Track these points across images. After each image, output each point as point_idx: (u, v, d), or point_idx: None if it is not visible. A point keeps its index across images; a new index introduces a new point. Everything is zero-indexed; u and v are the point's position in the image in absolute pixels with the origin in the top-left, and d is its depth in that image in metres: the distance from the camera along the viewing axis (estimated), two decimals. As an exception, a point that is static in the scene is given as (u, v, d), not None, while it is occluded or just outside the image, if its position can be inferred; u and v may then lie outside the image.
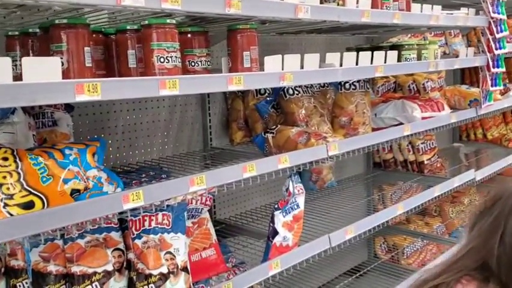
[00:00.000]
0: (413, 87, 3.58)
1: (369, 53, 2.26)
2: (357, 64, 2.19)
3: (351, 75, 2.20)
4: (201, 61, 1.78)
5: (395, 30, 3.11)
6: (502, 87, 3.25)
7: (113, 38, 1.66)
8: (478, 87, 3.98)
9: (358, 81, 2.57)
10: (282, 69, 1.87)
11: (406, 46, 2.52)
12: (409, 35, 3.74)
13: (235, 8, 1.59)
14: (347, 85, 2.57)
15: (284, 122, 2.44)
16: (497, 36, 3.03)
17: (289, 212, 2.03)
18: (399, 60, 2.48)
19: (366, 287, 3.31)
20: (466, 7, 3.00)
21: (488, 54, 3.03)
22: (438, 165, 3.60)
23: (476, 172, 3.23)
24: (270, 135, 2.24)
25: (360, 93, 2.60)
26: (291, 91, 2.41)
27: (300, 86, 2.41)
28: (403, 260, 3.71)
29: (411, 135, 2.61)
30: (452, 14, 2.77)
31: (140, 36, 1.56)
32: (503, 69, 3.16)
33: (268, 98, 2.49)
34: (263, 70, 1.81)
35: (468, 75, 4.72)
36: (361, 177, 3.60)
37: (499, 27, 3.04)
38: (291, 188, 2.03)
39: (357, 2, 2.11)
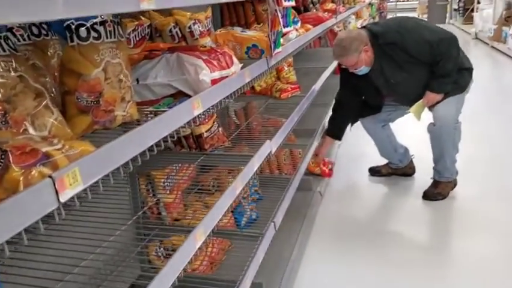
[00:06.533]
0: (176, 32, 2.51)
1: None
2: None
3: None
4: None
5: None
6: (292, 27, 2.48)
7: None
8: (247, 28, 3.23)
9: (103, 21, 1.36)
10: None
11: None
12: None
13: None
14: (83, 30, 1.34)
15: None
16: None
17: None
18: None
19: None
20: None
21: (277, -19, 2.17)
22: (219, 136, 2.71)
23: (271, 143, 2.45)
24: None
25: (110, 44, 1.40)
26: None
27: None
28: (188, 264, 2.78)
29: (203, 113, 1.58)
30: None
31: None
32: (294, 3, 2.37)
33: None
34: None
35: (227, 15, 3.90)
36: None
37: None
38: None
39: None
